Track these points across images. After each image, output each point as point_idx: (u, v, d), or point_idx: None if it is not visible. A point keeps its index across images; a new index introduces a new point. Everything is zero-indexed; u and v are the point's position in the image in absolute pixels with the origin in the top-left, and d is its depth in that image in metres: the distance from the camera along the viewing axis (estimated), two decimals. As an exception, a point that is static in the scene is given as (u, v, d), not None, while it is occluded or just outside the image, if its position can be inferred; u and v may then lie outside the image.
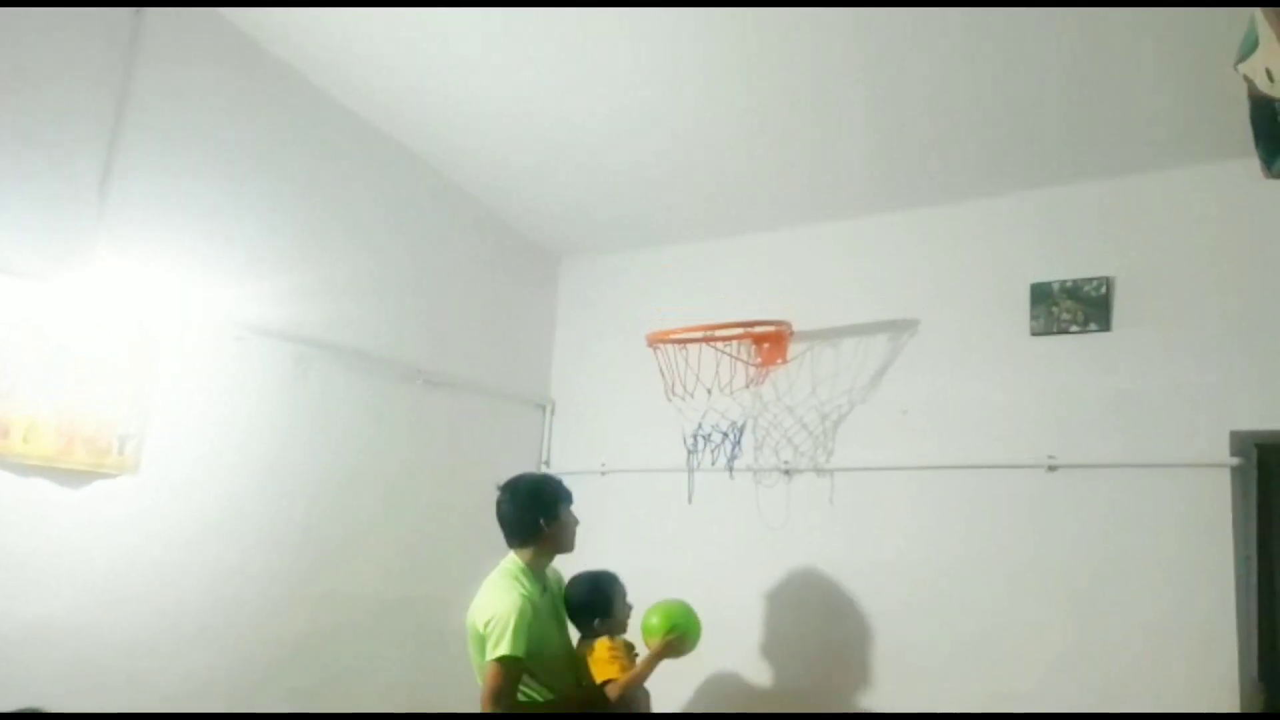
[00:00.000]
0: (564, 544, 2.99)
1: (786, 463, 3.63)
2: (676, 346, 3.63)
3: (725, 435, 3.68)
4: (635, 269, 4.26)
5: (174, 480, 2.96)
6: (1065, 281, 3.17)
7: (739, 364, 3.62)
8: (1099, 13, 2.49)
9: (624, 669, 2.86)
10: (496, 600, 2.77)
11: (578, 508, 3.07)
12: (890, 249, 3.58)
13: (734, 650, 3.61)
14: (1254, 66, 1.72)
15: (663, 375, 3.62)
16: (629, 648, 2.98)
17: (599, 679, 2.85)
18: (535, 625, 2.76)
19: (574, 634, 3.04)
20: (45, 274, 2.70)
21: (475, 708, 3.33)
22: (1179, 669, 2.80)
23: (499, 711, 2.67)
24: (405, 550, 3.63)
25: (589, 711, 2.82)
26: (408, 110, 3.54)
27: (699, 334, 3.56)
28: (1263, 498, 2.87)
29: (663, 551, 3.76)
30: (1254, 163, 1.98)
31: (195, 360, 3.03)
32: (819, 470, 3.57)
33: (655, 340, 3.63)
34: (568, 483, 3.04)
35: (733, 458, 3.67)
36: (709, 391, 3.59)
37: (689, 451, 3.73)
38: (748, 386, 3.64)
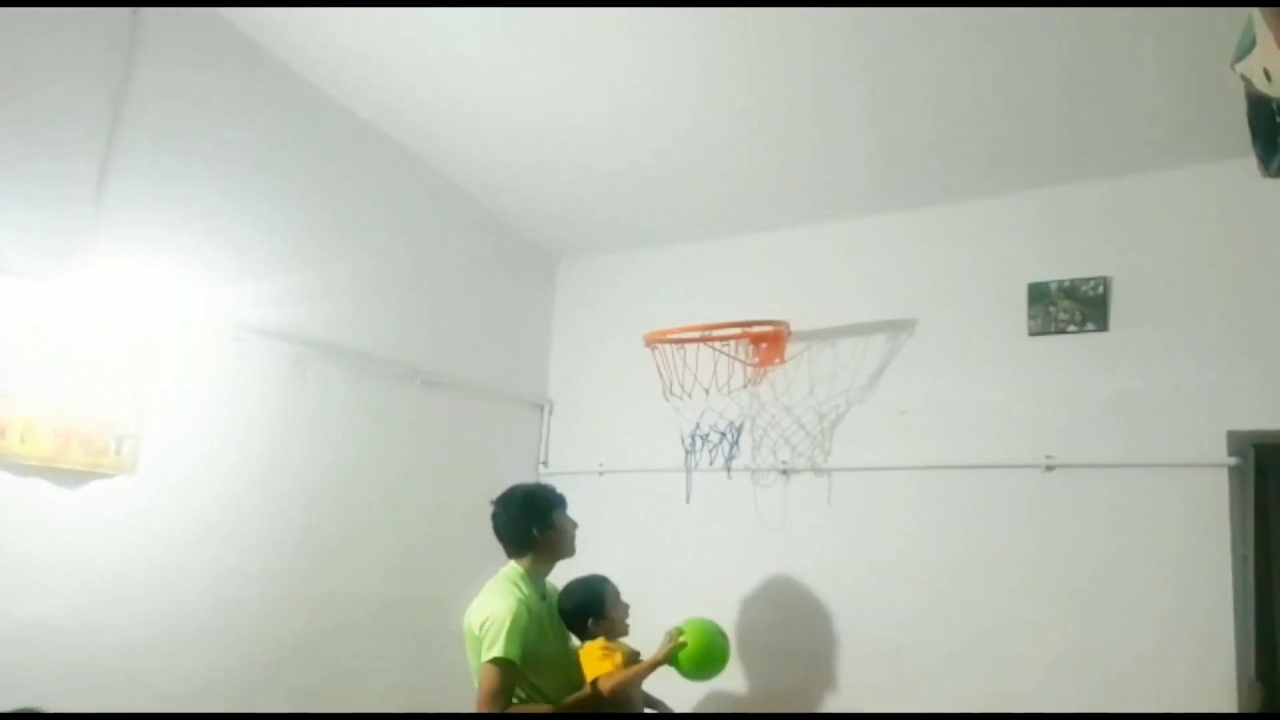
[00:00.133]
0: (562, 549, 3.00)
1: (784, 463, 3.63)
2: (674, 346, 3.63)
3: (723, 435, 3.68)
4: (633, 269, 4.26)
5: (172, 480, 2.96)
6: (1063, 281, 3.17)
7: (737, 364, 3.62)
8: (1098, 13, 2.49)
9: (617, 667, 2.85)
10: (492, 603, 2.79)
11: (576, 508, 3.08)
12: (888, 249, 3.58)
13: (732, 650, 3.61)
14: (1251, 66, 1.72)
15: (660, 375, 3.62)
16: (632, 654, 2.97)
17: (590, 677, 2.85)
18: (531, 629, 2.77)
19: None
20: (43, 274, 2.69)
21: (473, 708, 3.33)
22: (1177, 668, 2.80)
23: (494, 712, 2.67)
24: (404, 550, 3.63)
25: (585, 712, 2.81)
26: (407, 110, 3.54)
27: (696, 334, 3.56)
28: (1260, 497, 2.89)
29: (661, 552, 3.77)
30: (1251, 162, 1.99)
31: (193, 360, 3.03)
32: (817, 470, 3.57)
33: (653, 340, 3.64)
34: (566, 483, 3.05)
35: (730, 458, 3.67)
36: (706, 391, 3.59)
37: (687, 452, 3.72)
38: (745, 386, 3.64)
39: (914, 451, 3.37)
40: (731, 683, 3.59)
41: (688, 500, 3.71)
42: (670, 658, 2.92)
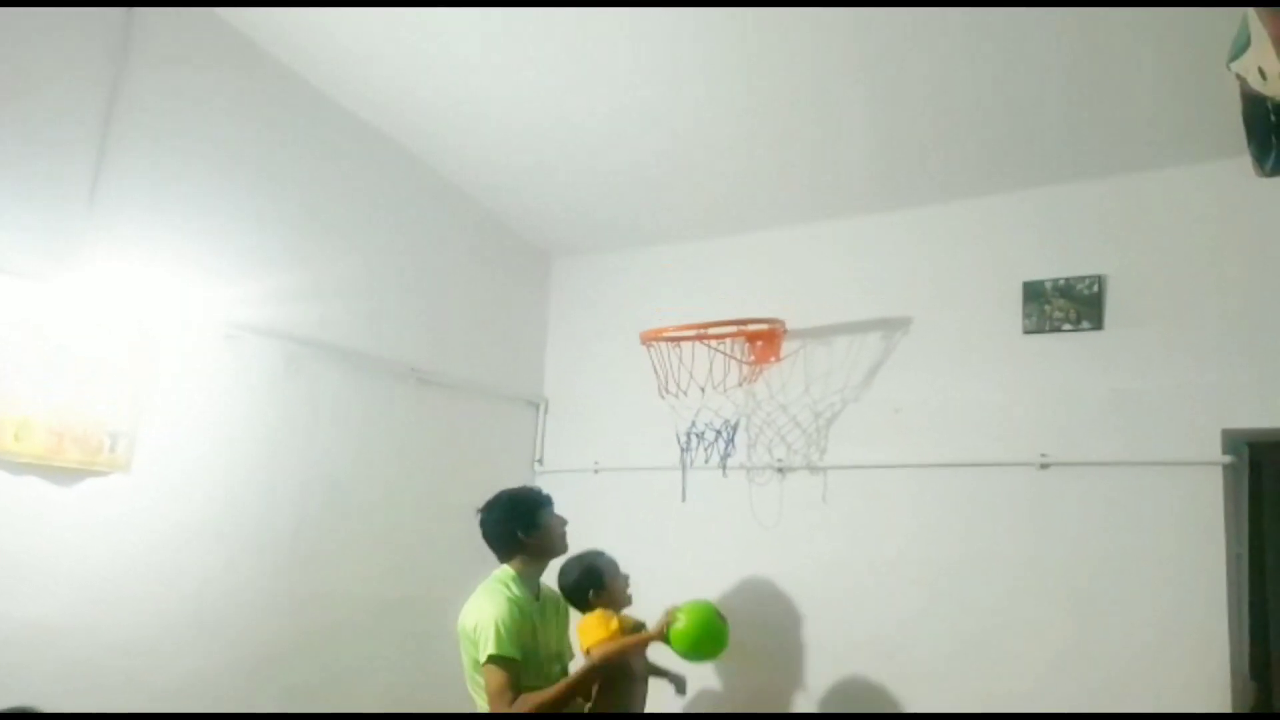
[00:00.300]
0: (552, 548, 3.02)
1: (780, 461, 3.64)
2: (670, 344, 3.63)
3: (719, 433, 3.68)
4: (629, 268, 4.26)
5: (166, 478, 2.95)
6: (1058, 280, 3.18)
7: (732, 362, 3.62)
8: (1094, 13, 2.50)
9: (612, 634, 2.86)
10: (481, 606, 2.82)
11: (571, 507, 3.08)
12: (883, 247, 3.58)
13: (728, 649, 3.62)
14: (1246, 65, 1.72)
15: (656, 373, 3.62)
16: (634, 625, 2.98)
17: (584, 645, 2.86)
18: (524, 628, 2.78)
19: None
20: (37, 272, 2.69)
21: (470, 708, 3.33)
22: (1172, 665, 2.81)
23: (507, 711, 2.67)
24: (399, 548, 3.63)
25: (582, 684, 2.78)
26: (404, 109, 3.53)
27: (692, 332, 3.56)
28: (1254, 496, 2.89)
29: (656, 550, 3.76)
30: (1246, 162, 1.99)
31: (188, 359, 3.03)
32: (812, 468, 3.57)
33: (649, 338, 3.63)
34: (561, 481, 3.06)
35: (726, 456, 3.67)
36: (702, 390, 3.59)
37: (682, 450, 3.73)
38: (741, 385, 3.65)
39: (909, 450, 3.37)
40: (727, 680, 3.60)
41: (683, 498, 3.71)
42: (663, 635, 2.89)
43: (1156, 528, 2.90)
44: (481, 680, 2.79)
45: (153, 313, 2.92)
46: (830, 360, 3.61)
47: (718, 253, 3.99)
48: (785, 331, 3.63)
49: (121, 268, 2.87)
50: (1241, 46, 1.72)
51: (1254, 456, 2.89)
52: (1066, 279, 3.16)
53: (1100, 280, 3.12)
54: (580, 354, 4.33)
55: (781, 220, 3.80)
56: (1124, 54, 2.64)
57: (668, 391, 3.62)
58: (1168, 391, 2.95)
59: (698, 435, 3.70)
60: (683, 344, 3.62)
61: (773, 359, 3.65)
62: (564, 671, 2.96)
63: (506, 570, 2.95)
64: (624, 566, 3.16)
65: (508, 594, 2.84)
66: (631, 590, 3.11)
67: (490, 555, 3.00)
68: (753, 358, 3.66)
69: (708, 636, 2.94)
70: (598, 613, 2.93)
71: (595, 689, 2.90)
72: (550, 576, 3.09)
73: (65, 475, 2.72)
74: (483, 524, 2.99)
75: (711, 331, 3.55)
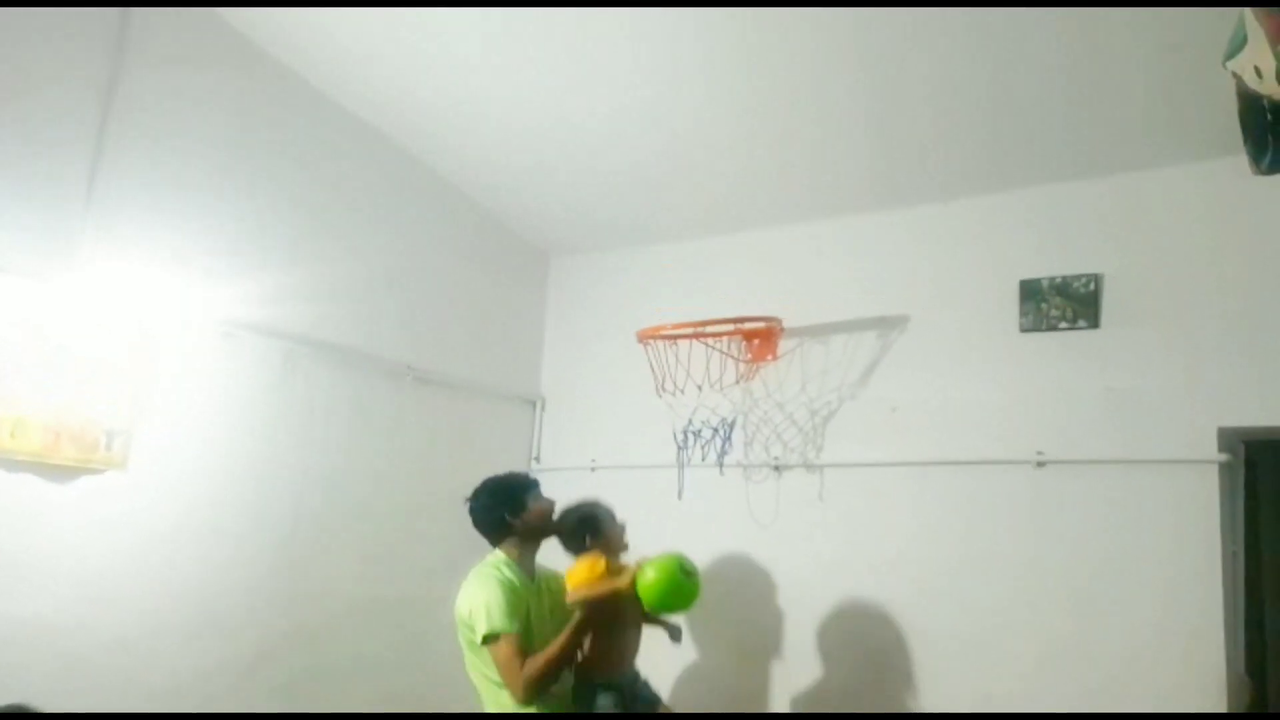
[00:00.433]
0: (542, 528, 3.05)
1: (776, 459, 3.64)
2: (667, 342, 3.63)
3: (715, 431, 3.68)
4: (626, 266, 4.26)
5: (163, 476, 2.95)
6: (1055, 278, 3.18)
7: (729, 360, 3.62)
8: (1092, 12, 2.50)
9: (597, 577, 2.86)
10: (473, 590, 2.86)
11: (570, 504, 3.09)
12: (880, 246, 3.59)
13: (724, 647, 3.62)
14: (1243, 64, 1.73)
15: (653, 371, 3.62)
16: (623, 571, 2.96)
17: (570, 587, 2.87)
18: (518, 604, 2.81)
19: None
20: (33, 271, 2.68)
21: (467, 706, 3.32)
22: (1167, 663, 2.81)
23: (519, 684, 2.69)
24: (396, 547, 3.63)
25: (577, 632, 2.78)
26: (403, 109, 3.53)
27: (689, 330, 3.57)
28: (1250, 494, 2.89)
29: (653, 547, 3.75)
30: (1242, 161, 1.99)
31: (185, 357, 3.02)
32: (809, 466, 3.58)
33: (646, 336, 3.64)
34: (558, 479, 3.06)
35: (723, 454, 3.67)
36: (699, 388, 3.59)
37: (679, 448, 3.73)
38: (738, 383, 3.65)
39: (906, 448, 3.37)
40: (724, 678, 3.60)
41: (680, 496, 3.71)
42: (631, 587, 2.82)
43: (1153, 526, 2.91)
44: (483, 664, 2.81)
45: (150, 311, 2.92)
46: (827, 358, 3.61)
47: (715, 251, 3.99)
48: (782, 330, 3.64)
49: (119, 266, 2.87)
50: (1238, 45, 1.73)
51: (1250, 455, 2.89)
52: (1063, 277, 3.17)
53: (1097, 279, 3.12)
54: (578, 352, 4.33)
55: (779, 219, 3.80)
56: (1121, 53, 2.65)
57: (665, 390, 3.62)
58: (1164, 390, 2.96)
59: (695, 433, 3.71)
60: (680, 342, 3.62)
61: (770, 357, 3.66)
62: None
63: (498, 554, 2.98)
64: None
65: (499, 575, 2.87)
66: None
67: (485, 551, 3.01)
68: (750, 356, 3.66)
69: (672, 592, 2.85)
70: (586, 556, 2.93)
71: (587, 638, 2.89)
72: (546, 558, 3.09)
73: (61, 473, 2.72)
74: (471, 511, 3.03)
75: (709, 330, 3.55)
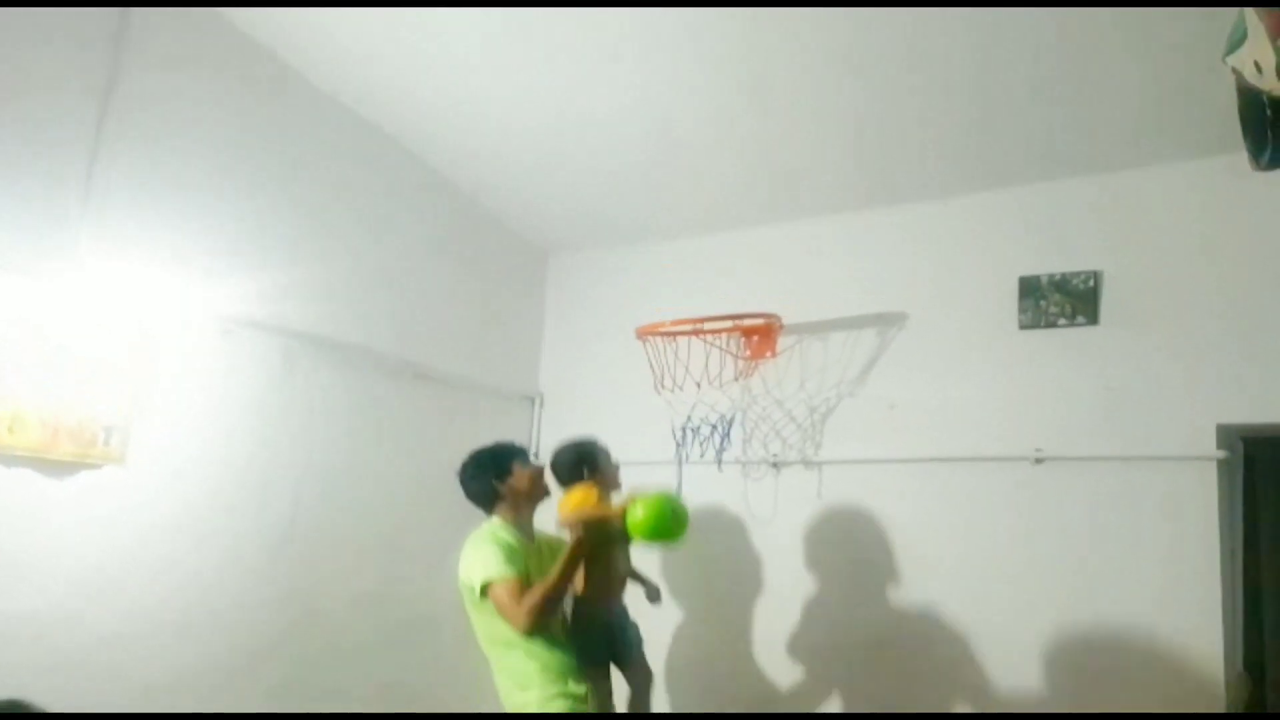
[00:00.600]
0: (533, 492, 3.09)
1: (775, 456, 3.64)
2: (666, 339, 3.64)
3: (714, 428, 3.69)
4: (625, 264, 4.26)
5: (161, 473, 2.94)
6: (1054, 275, 3.18)
7: (728, 357, 3.62)
8: (1090, 9, 2.50)
9: (590, 503, 2.92)
10: (468, 553, 2.93)
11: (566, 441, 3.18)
12: (879, 243, 3.59)
13: (722, 644, 3.62)
14: (1242, 59, 1.72)
15: (652, 368, 3.62)
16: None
17: (561, 515, 2.93)
18: (515, 559, 2.85)
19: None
20: (30, 267, 2.67)
21: (464, 705, 3.34)
22: (1166, 659, 2.82)
23: (521, 615, 2.73)
24: (394, 544, 3.62)
25: (573, 559, 2.81)
26: (402, 106, 3.52)
27: (688, 327, 3.57)
28: (1249, 491, 2.89)
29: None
30: (1241, 159, 1.99)
31: (184, 354, 3.01)
32: (807, 463, 3.58)
33: (644, 333, 3.64)
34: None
35: (721, 451, 3.67)
36: (698, 385, 3.59)
37: (678, 445, 3.73)
38: (737, 380, 3.65)
39: (904, 445, 3.38)
40: (722, 677, 3.60)
41: (679, 493, 3.70)
42: (621, 517, 2.84)
43: (1151, 523, 2.91)
44: (489, 623, 2.88)
45: (149, 309, 2.91)
46: (826, 356, 3.61)
47: (714, 249, 3.99)
48: (781, 327, 3.64)
49: (118, 264, 2.86)
50: (1238, 40, 1.72)
51: (1248, 452, 2.89)
52: (1062, 274, 3.17)
53: (1096, 275, 3.12)
54: (577, 349, 4.33)
55: (779, 217, 3.80)
56: (1120, 50, 2.65)
57: (664, 387, 3.62)
58: (1163, 386, 2.96)
59: (693, 430, 3.71)
60: (679, 339, 3.63)
61: (768, 354, 3.66)
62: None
63: (493, 520, 3.03)
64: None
65: (496, 536, 2.92)
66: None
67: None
68: (748, 353, 3.66)
69: (661, 527, 2.85)
70: (580, 486, 2.97)
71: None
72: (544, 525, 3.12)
73: (59, 468, 2.71)
74: (462, 485, 3.10)
75: (707, 326, 3.56)
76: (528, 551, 2.95)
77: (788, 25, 2.77)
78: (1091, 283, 3.12)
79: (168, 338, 2.96)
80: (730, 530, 3.68)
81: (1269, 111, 1.77)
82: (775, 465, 3.64)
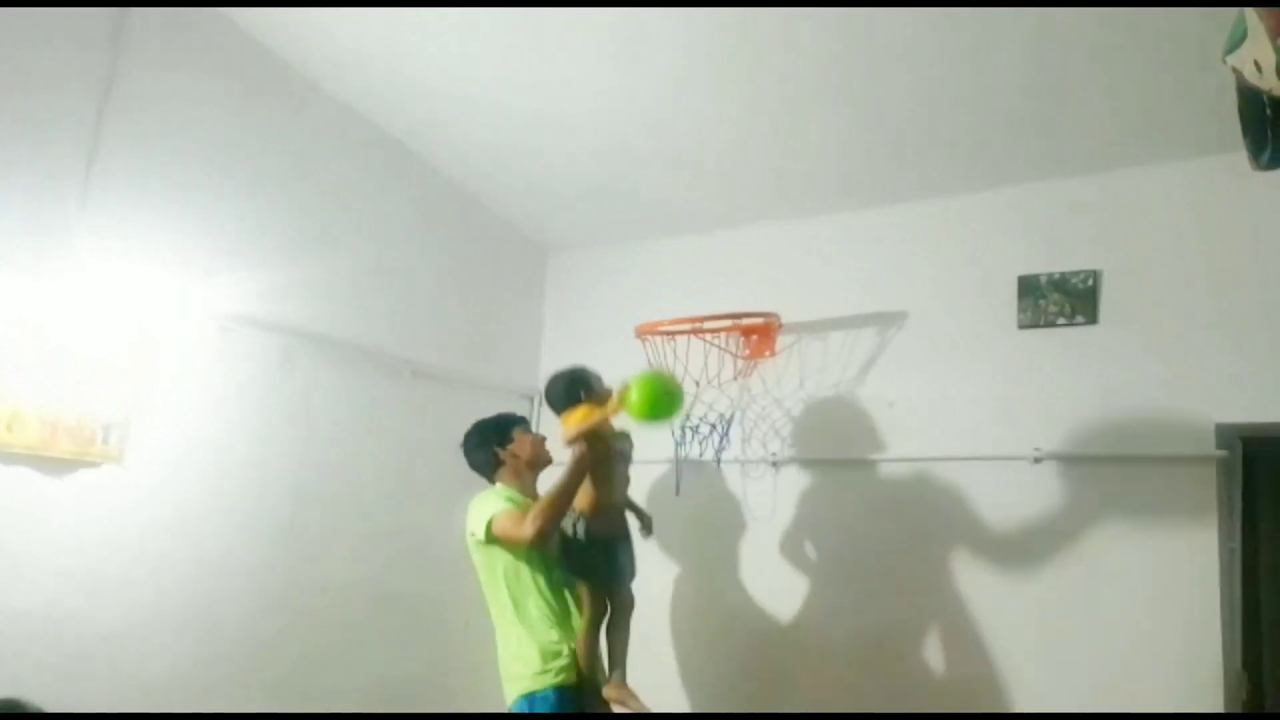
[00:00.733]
0: (535, 459, 3.16)
1: (774, 454, 3.64)
2: (665, 338, 3.64)
3: (713, 427, 3.68)
4: (625, 261, 4.25)
5: (160, 470, 2.95)
6: (1053, 274, 3.18)
7: (727, 356, 3.62)
8: (1089, 9, 2.50)
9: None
10: (475, 506, 3.02)
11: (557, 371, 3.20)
12: (879, 243, 3.58)
13: (721, 643, 3.62)
14: (1242, 58, 1.72)
15: (651, 367, 3.61)
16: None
17: (565, 432, 2.97)
18: (520, 509, 2.94)
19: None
20: (29, 266, 2.68)
21: (464, 702, 3.34)
22: (1164, 658, 2.82)
23: (527, 526, 2.83)
24: (392, 542, 3.62)
25: (576, 471, 2.90)
26: (401, 104, 3.52)
27: (687, 326, 3.57)
28: (1248, 490, 2.89)
29: (649, 542, 3.76)
30: (1240, 158, 1.99)
31: (183, 352, 3.02)
32: (806, 462, 3.58)
33: (644, 332, 3.64)
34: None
35: (720, 449, 3.67)
36: (697, 383, 3.59)
37: (677, 443, 3.72)
38: (736, 379, 3.65)
39: (902, 444, 3.38)
40: (721, 675, 3.60)
41: (677, 492, 3.70)
42: (621, 406, 2.88)
43: (1150, 522, 2.91)
44: (496, 571, 2.95)
45: (148, 307, 2.92)
46: (825, 354, 3.61)
47: (714, 248, 3.98)
48: (780, 326, 3.64)
49: (116, 263, 2.86)
50: (1237, 40, 1.72)
51: (1247, 451, 2.89)
52: (1061, 274, 3.17)
53: (1095, 275, 3.12)
54: (576, 348, 4.30)
55: (778, 215, 3.80)
56: (1119, 49, 2.64)
57: (663, 385, 3.62)
58: (1162, 386, 2.96)
59: (692, 429, 3.70)
60: (678, 338, 3.62)
61: (768, 353, 3.66)
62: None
63: (496, 486, 3.09)
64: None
65: (499, 495, 3.01)
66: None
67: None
68: (748, 352, 3.66)
69: (656, 403, 2.88)
70: (578, 407, 2.99)
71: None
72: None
73: (58, 466, 2.71)
74: (465, 454, 3.18)
75: (707, 325, 3.55)
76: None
77: (788, 24, 2.77)
78: (1090, 282, 3.12)
79: (166, 336, 2.97)
80: (729, 529, 3.68)
81: (1269, 111, 1.77)
82: (774, 464, 3.64)
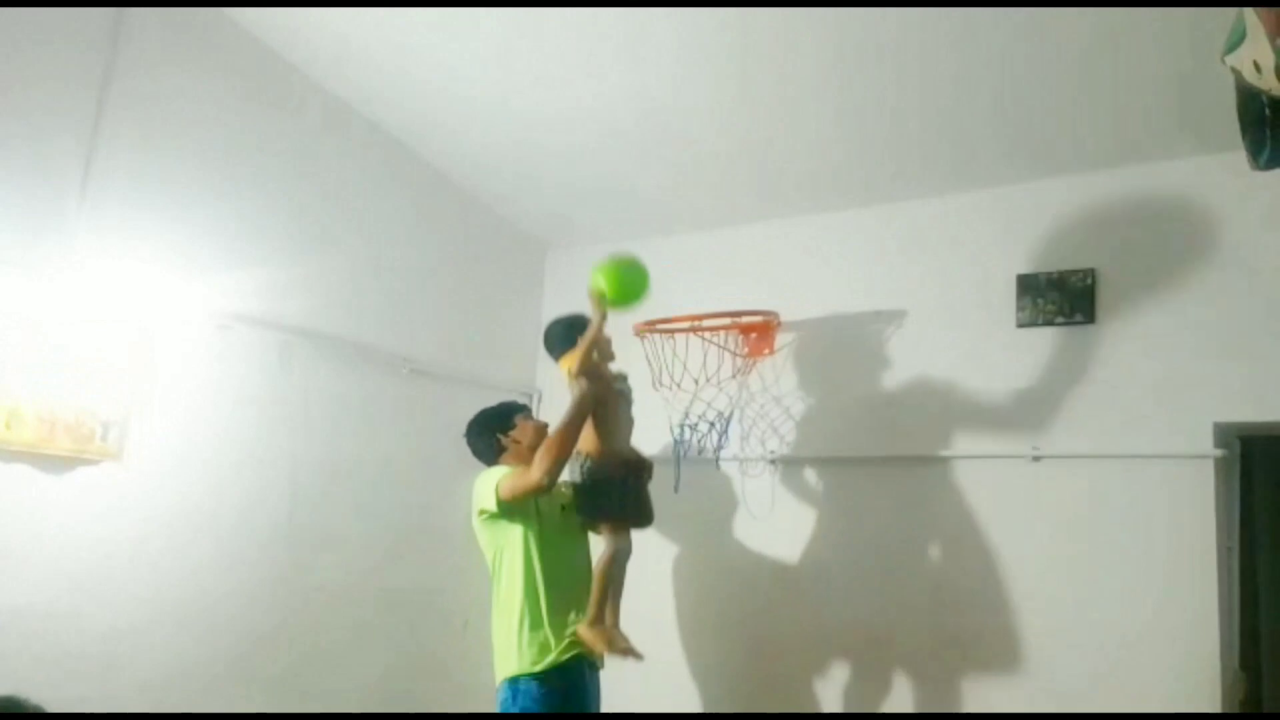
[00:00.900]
0: (537, 444, 3.11)
1: (773, 453, 3.64)
2: (664, 336, 3.64)
3: (712, 425, 3.68)
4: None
5: (159, 468, 2.95)
6: (1051, 273, 3.18)
7: (726, 354, 3.62)
8: (1088, 9, 2.50)
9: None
10: (480, 483, 3.05)
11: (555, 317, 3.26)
12: (878, 241, 3.58)
13: (720, 642, 3.63)
14: (1241, 58, 1.72)
15: (650, 365, 3.62)
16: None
17: (566, 368, 3.06)
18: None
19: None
20: (27, 263, 2.68)
21: (463, 699, 3.34)
22: (1162, 657, 2.82)
23: (534, 469, 2.89)
24: (390, 540, 3.62)
25: (579, 407, 2.98)
26: (400, 100, 3.51)
27: (686, 324, 3.57)
28: (1245, 489, 2.91)
29: (648, 541, 3.76)
30: (1239, 158, 1.99)
31: (181, 349, 3.02)
32: (805, 460, 3.58)
33: (643, 330, 3.64)
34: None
35: (719, 448, 3.67)
36: (696, 382, 3.59)
37: (676, 441, 3.72)
38: (735, 377, 3.65)
39: (901, 442, 3.37)
40: (721, 674, 3.61)
41: (676, 490, 3.70)
42: (603, 311, 3.00)
43: (1148, 521, 2.91)
44: (503, 540, 2.99)
45: (146, 304, 2.92)
46: (824, 353, 3.61)
47: (713, 246, 3.98)
48: (779, 324, 3.64)
49: (115, 260, 2.86)
50: (1236, 40, 1.72)
51: (1245, 450, 2.90)
52: (1060, 272, 3.17)
53: (1093, 273, 3.12)
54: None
55: (777, 214, 3.79)
56: (1118, 48, 2.64)
57: (661, 383, 3.62)
58: (1159, 385, 2.96)
59: (691, 427, 3.70)
60: (677, 336, 3.62)
61: (767, 351, 3.66)
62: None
63: (502, 467, 3.10)
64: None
65: (501, 469, 3.05)
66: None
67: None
68: (747, 350, 3.66)
69: (625, 286, 3.01)
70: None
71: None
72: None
73: (57, 463, 2.71)
74: (468, 442, 3.23)
75: (706, 324, 3.55)
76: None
77: (787, 23, 2.77)
78: (1089, 281, 3.12)
79: (165, 334, 2.97)
80: (728, 528, 3.68)
81: (1268, 111, 1.77)
82: (773, 462, 3.64)
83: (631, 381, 3.30)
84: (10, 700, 2.39)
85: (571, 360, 3.02)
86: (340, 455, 3.48)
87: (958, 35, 2.71)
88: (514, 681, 2.92)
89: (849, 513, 3.45)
